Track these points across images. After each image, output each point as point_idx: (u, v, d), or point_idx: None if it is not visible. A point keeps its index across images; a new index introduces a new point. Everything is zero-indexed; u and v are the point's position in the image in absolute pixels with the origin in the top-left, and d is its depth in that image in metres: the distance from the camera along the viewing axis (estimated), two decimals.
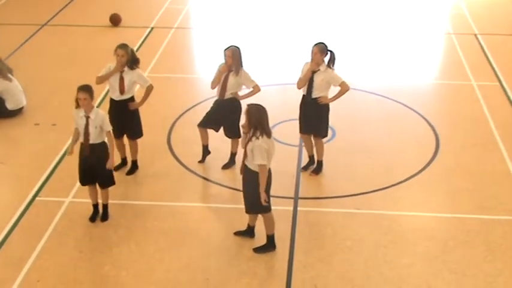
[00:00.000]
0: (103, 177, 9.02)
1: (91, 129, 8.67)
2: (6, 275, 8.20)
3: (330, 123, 10.18)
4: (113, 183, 9.17)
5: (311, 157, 10.41)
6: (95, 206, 9.22)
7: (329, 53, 9.69)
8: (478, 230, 9.02)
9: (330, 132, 11.05)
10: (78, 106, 8.72)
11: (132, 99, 10.02)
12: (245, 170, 8.32)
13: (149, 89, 10.00)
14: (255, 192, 8.22)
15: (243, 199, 8.58)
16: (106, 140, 8.88)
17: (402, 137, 11.46)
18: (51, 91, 13.10)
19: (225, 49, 9.93)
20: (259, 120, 8.04)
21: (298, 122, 10.30)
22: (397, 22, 17.47)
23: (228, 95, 10.06)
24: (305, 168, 10.40)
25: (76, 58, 14.81)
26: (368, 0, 19.28)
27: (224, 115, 10.24)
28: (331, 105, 10.04)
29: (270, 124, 8.05)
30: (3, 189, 10.22)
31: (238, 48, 9.94)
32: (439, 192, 9.95)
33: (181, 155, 10.85)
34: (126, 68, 9.79)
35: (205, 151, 10.61)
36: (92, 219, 9.17)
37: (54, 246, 8.68)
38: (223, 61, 9.99)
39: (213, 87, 10.15)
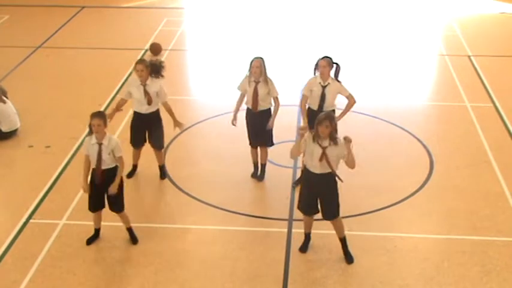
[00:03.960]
0: (115, 201, 8.89)
1: (104, 155, 8.56)
2: None
3: None
4: (123, 208, 9.02)
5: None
6: (97, 230, 9.15)
7: (335, 65, 9.97)
8: (472, 251, 9.01)
9: None
10: (91, 133, 8.61)
11: (157, 111, 10.30)
12: (324, 178, 8.36)
13: (167, 107, 10.31)
14: (337, 196, 8.52)
15: (322, 210, 8.63)
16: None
17: (396, 158, 11.48)
18: (46, 113, 13.10)
19: (252, 60, 10.04)
20: (336, 128, 8.24)
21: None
22: (390, 43, 17.55)
23: (260, 105, 10.18)
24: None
25: (70, 80, 14.82)
26: (361, 20, 19.43)
27: (260, 128, 10.36)
28: None
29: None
30: None
31: (262, 58, 10.10)
32: (433, 213, 9.95)
33: (176, 176, 10.83)
34: (148, 81, 10.05)
35: (256, 167, 10.76)
36: (89, 241, 9.10)
37: (47, 269, 8.63)
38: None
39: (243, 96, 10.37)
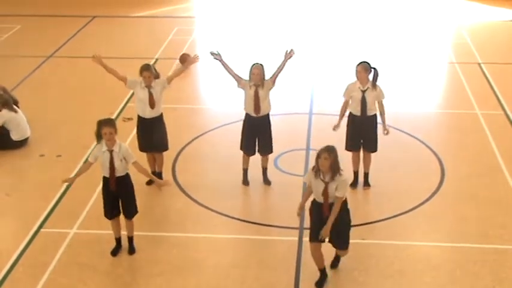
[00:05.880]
0: (129, 208, 8.96)
1: (116, 162, 8.59)
2: None
3: None
4: (136, 211, 9.08)
5: (356, 173, 10.73)
6: (118, 240, 9.15)
7: (372, 70, 10.11)
8: (485, 260, 8.96)
9: None
10: (99, 141, 8.63)
11: (160, 116, 10.47)
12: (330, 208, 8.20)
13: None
14: (348, 225, 8.37)
15: (333, 238, 8.39)
16: (135, 170, 8.88)
17: (407, 166, 11.44)
18: (56, 122, 13.15)
19: (252, 66, 10.22)
20: (337, 159, 8.03)
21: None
22: (400, 51, 17.54)
23: (262, 110, 10.26)
24: (353, 185, 10.63)
25: (81, 90, 14.89)
26: (371, 28, 19.42)
27: (258, 136, 10.44)
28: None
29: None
30: (8, 220, 10.21)
31: (262, 65, 10.30)
32: (445, 222, 9.90)
33: (186, 185, 10.84)
34: (153, 83, 10.23)
35: (246, 174, 10.76)
36: (114, 253, 9.09)
37: (58, 278, 8.64)
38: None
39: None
